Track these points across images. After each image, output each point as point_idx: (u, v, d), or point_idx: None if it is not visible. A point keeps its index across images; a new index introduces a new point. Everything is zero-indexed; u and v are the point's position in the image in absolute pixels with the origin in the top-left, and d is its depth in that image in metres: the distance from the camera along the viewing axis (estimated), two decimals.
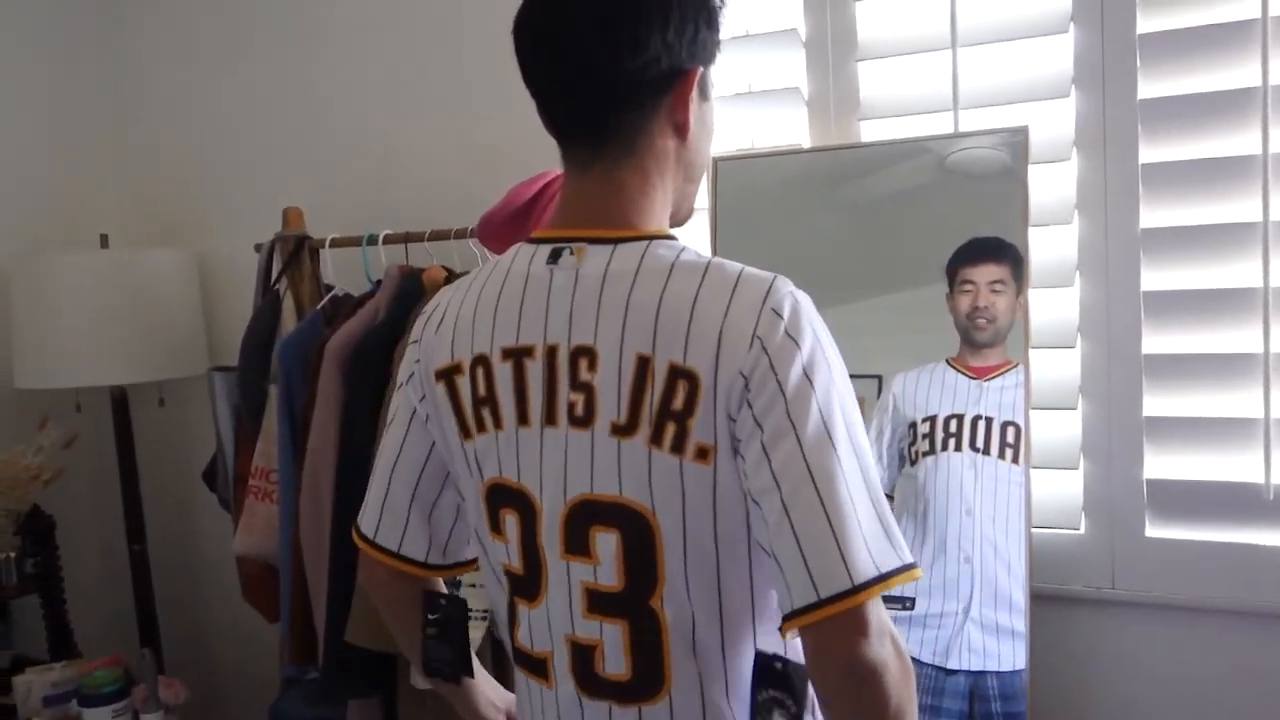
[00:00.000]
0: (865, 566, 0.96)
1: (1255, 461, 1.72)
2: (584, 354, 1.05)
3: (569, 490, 1.07)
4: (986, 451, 1.78)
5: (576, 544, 1.07)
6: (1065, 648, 1.86)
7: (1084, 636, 1.85)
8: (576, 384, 1.05)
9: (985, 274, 1.79)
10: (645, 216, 1.10)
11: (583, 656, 1.10)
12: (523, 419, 1.10)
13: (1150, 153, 1.76)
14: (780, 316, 1.00)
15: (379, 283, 2.14)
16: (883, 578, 0.97)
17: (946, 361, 1.83)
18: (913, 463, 1.83)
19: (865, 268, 1.90)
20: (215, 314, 2.70)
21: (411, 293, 2.05)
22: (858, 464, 0.99)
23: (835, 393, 1.00)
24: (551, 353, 1.07)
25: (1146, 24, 1.75)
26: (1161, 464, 1.80)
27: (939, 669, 1.78)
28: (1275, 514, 1.72)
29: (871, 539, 0.97)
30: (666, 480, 1.02)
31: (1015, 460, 1.76)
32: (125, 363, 2.49)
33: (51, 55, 2.72)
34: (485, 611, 1.85)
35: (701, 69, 1.10)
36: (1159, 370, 1.78)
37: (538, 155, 2.00)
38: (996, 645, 1.76)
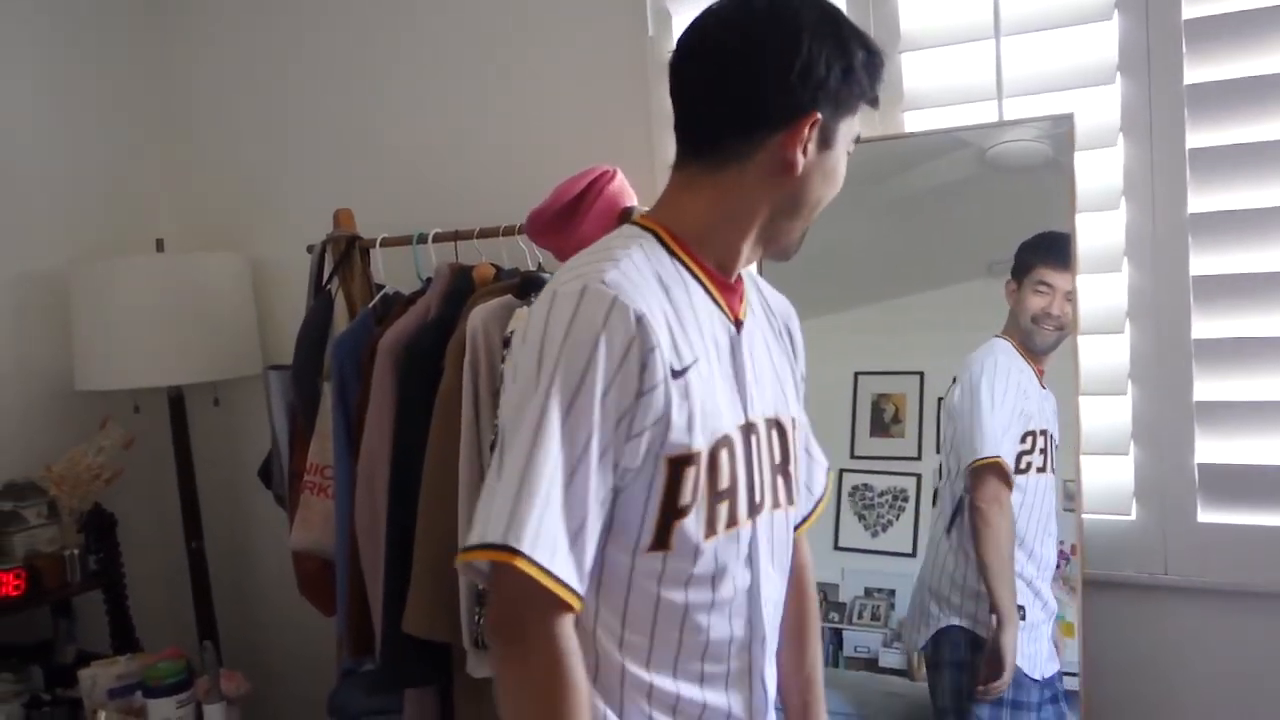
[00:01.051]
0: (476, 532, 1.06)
1: None
2: None
3: None
4: (1046, 470, 1.79)
5: None
6: (1117, 634, 1.85)
7: (1136, 622, 1.85)
8: None
9: (1064, 281, 1.79)
10: (690, 218, 1.18)
11: None
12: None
13: (1197, 137, 1.76)
14: (531, 310, 1.12)
15: (429, 281, 2.17)
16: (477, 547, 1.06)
17: (1012, 347, 1.82)
18: (1021, 471, 1.81)
19: (915, 261, 1.91)
20: (268, 315, 2.75)
21: (462, 290, 2.09)
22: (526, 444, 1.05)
23: (524, 376, 1.08)
24: None
25: (1191, 9, 1.75)
26: (1213, 448, 1.79)
27: (1031, 682, 1.79)
28: None
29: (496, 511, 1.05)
30: None
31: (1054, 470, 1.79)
32: (181, 364, 2.54)
33: (102, 60, 2.78)
34: None
35: (821, 116, 1.13)
36: (1209, 354, 1.78)
37: (585, 152, 2.05)
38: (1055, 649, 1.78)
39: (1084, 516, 1.78)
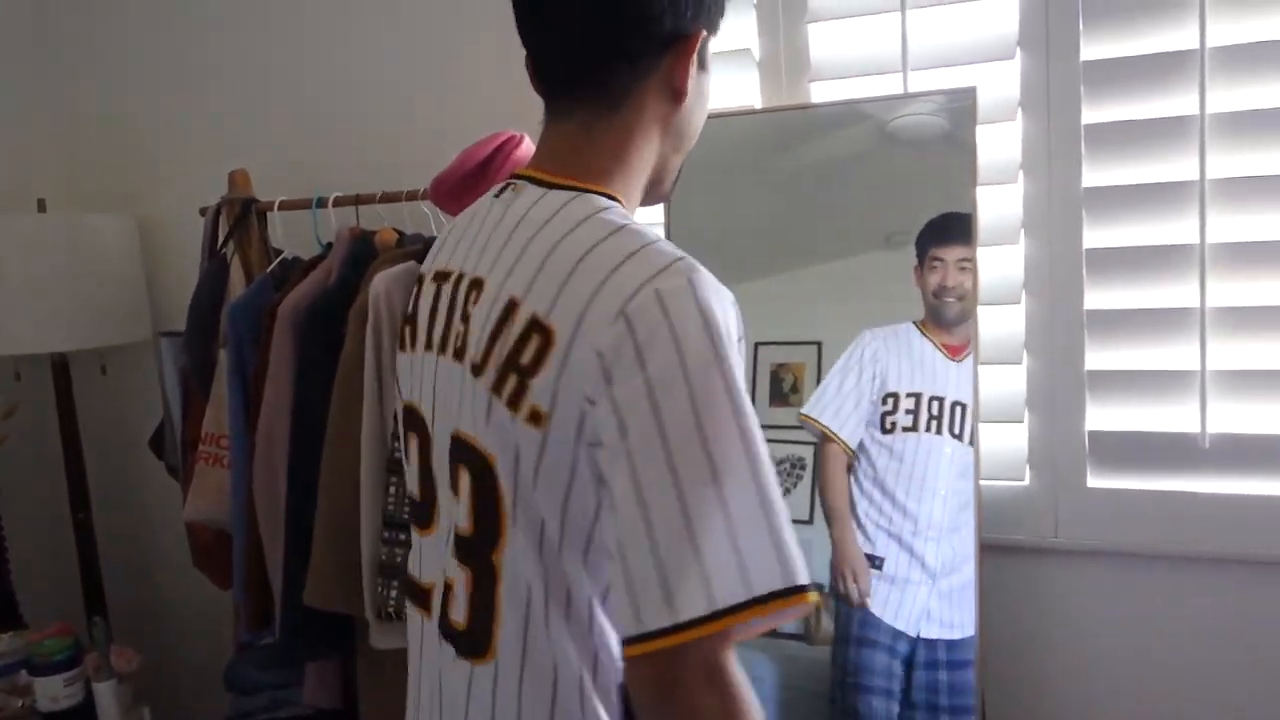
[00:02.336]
0: (726, 591, 0.84)
1: (1192, 412, 1.78)
2: (475, 286, 1.01)
3: (450, 423, 1.02)
4: (960, 438, 1.82)
5: (453, 479, 1.02)
6: (1011, 596, 1.91)
7: (1029, 584, 1.92)
8: (464, 315, 1.02)
9: (954, 253, 1.82)
10: (607, 173, 1.05)
11: (445, 596, 1.05)
12: (428, 343, 1.07)
13: (1093, 113, 1.81)
14: (661, 299, 0.89)
15: (329, 246, 2.12)
16: (757, 601, 0.85)
17: (918, 328, 1.86)
18: (887, 431, 1.86)
19: (815, 232, 1.92)
20: (159, 279, 2.66)
21: (363, 255, 2.04)
22: (749, 470, 0.87)
23: (715, 387, 0.88)
24: (458, 281, 1.04)
25: None
26: (1103, 416, 1.85)
27: (895, 630, 1.83)
28: (1211, 462, 1.79)
29: (752, 555, 0.85)
30: (501, 432, 0.96)
31: (972, 443, 1.82)
32: (65, 330, 2.44)
33: None
34: None
35: (705, 34, 1.05)
36: (1100, 325, 1.84)
37: (492, 116, 2.02)
38: (951, 617, 1.82)
39: (981, 482, 1.83)
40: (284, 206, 2.21)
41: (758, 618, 0.85)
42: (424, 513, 1.09)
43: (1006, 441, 1.91)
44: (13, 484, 2.56)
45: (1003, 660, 1.91)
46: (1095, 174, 1.82)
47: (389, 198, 2.09)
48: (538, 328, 0.93)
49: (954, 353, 1.83)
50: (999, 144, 1.86)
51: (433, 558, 1.08)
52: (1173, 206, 1.78)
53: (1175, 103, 1.76)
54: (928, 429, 1.84)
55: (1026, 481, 1.91)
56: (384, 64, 2.35)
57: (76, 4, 2.68)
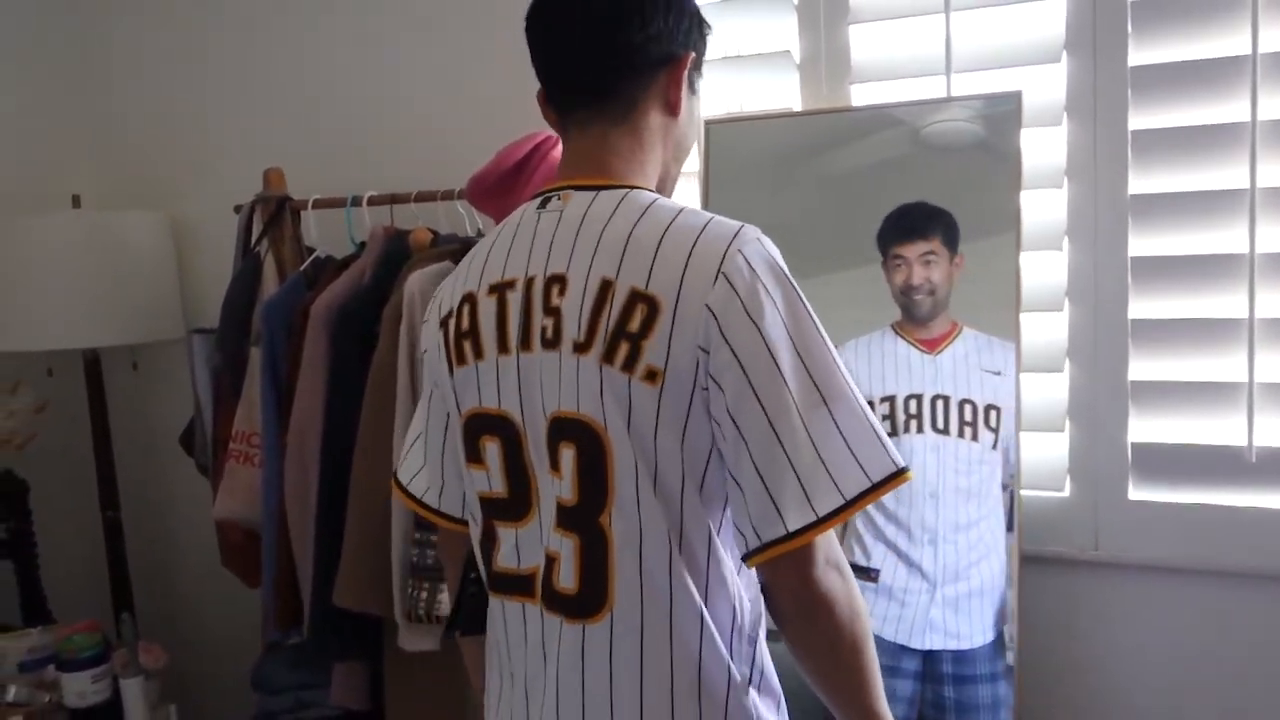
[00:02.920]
0: (853, 484, 1.07)
1: (1239, 425, 1.75)
2: (556, 281, 1.13)
3: (546, 408, 1.14)
4: (946, 432, 1.80)
5: (554, 460, 1.14)
6: (1049, 608, 1.88)
7: (1068, 597, 1.88)
8: (548, 309, 1.13)
9: (915, 249, 1.80)
10: (633, 174, 1.20)
11: (549, 569, 1.15)
12: (503, 347, 1.17)
13: (1140, 119, 1.78)
14: (746, 259, 1.08)
15: (363, 245, 2.12)
16: (875, 486, 1.07)
17: (892, 329, 1.83)
18: None
19: (856, 236, 1.89)
20: (191, 277, 2.66)
21: (397, 255, 2.04)
22: (847, 387, 1.09)
23: (806, 324, 1.09)
24: (530, 284, 1.16)
25: None
26: (1146, 427, 1.82)
27: (901, 648, 1.81)
28: (1257, 476, 1.75)
29: (864, 451, 1.07)
30: (615, 396, 1.08)
31: (975, 438, 1.78)
32: (98, 325, 2.44)
33: (19, 10, 2.65)
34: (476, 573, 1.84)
35: (693, 58, 1.22)
36: (1145, 335, 1.80)
37: (529, 117, 1.99)
38: (957, 626, 1.79)
39: (1022, 492, 1.80)
40: (318, 205, 2.20)
41: (874, 499, 1.08)
42: (517, 506, 1.18)
43: (1047, 451, 1.87)
44: (43, 480, 2.56)
45: (1039, 674, 1.88)
46: (1142, 181, 1.78)
47: (424, 197, 2.08)
48: (641, 298, 1.08)
49: (931, 346, 1.80)
50: (1044, 149, 1.83)
51: (531, 544, 1.17)
52: (1221, 215, 1.74)
53: (1226, 109, 1.72)
54: (906, 430, 1.81)
55: (1066, 492, 1.88)
56: (419, 63, 2.34)
57: (110, 4, 2.69)
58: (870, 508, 1.79)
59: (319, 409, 1.96)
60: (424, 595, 1.82)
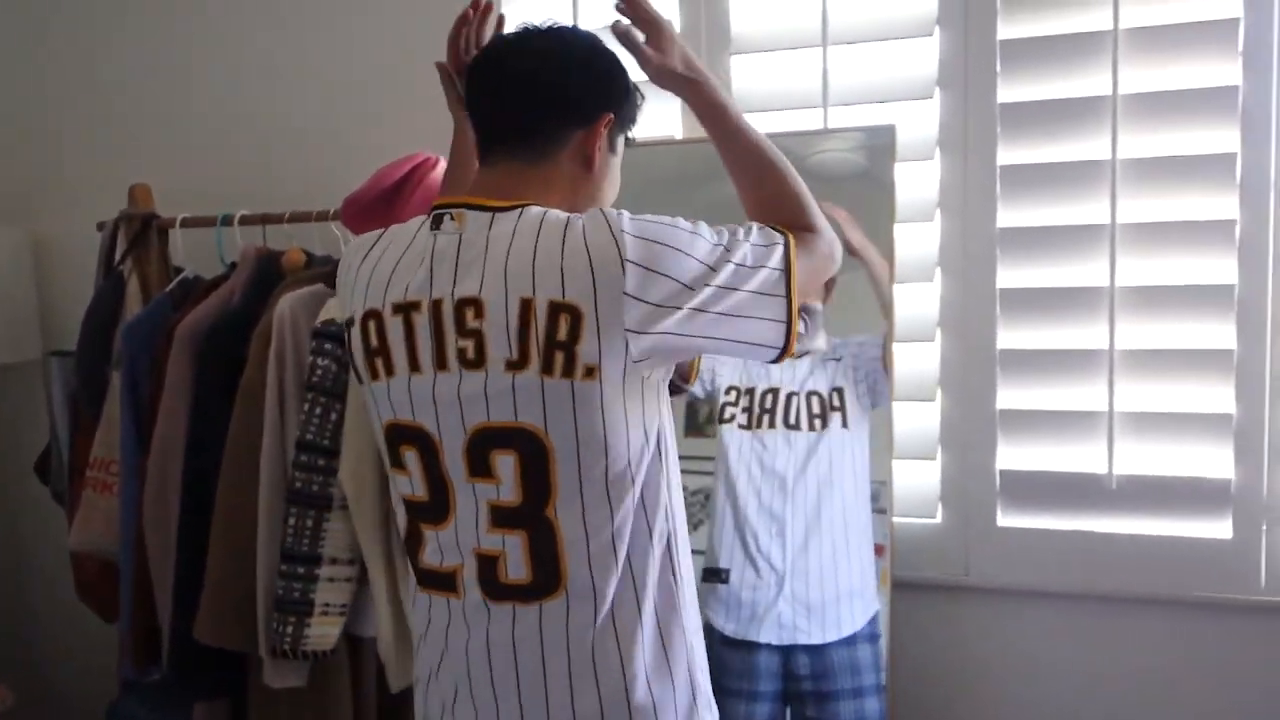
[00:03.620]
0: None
1: (1099, 452, 1.80)
2: (469, 304, 1.19)
3: (467, 422, 1.21)
4: (798, 426, 1.84)
5: (480, 467, 1.22)
6: (922, 633, 1.91)
7: (940, 622, 1.91)
8: (464, 331, 1.19)
9: None
10: (533, 199, 1.24)
11: (488, 566, 1.24)
12: (415, 367, 1.24)
13: (1009, 154, 1.83)
14: (631, 234, 1.16)
15: (234, 265, 2.05)
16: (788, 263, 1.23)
17: None
18: (725, 421, 1.89)
19: None
20: (52, 297, 2.54)
21: (269, 276, 1.97)
22: (749, 258, 1.20)
23: (698, 239, 1.19)
24: (437, 306, 1.21)
25: (1007, 30, 1.82)
26: (1014, 455, 1.87)
27: (749, 644, 1.83)
28: (1118, 502, 1.81)
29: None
30: (558, 402, 1.17)
31: (824, 426, 1.84)
32: None
33: None
34: (344, 606, 1.79)
35: (613, 119, 1.28)
36: (1013, 364, 1.85)
37: (404, 137, 1.97)
38: (808, 622, 1.81)
39: (894, 520, 1.82)
40: (187, 224, 2.13)
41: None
42: (436, 510, 1.27)
43: (920, 479, 1.90)
44: None
45: (913, 698, 1.90)
46: (1010, 214, 1.84)
47: (298, 217, 2.02)
48: (562, 309, 1.15)
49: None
50: (917, 182, 1.87)
51: (449, 546, 1.26)
52: (1085, 248, 1.80)
53: (1089, 146, 1.79)
54: (758, 425, 1.87)
55: (938, 519, 1.91)
56: (295, 81, 2.29)
57: None
58: (725, 507, 1.89)
59: (181, 434, 1.89)
60: (289, 629, 1.75)
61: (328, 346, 1.76)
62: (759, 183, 1.34)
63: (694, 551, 1.82)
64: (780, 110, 1.94)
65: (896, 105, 1.88)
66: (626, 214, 1.19)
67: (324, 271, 1.91)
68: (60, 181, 2.52)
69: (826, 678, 1.81)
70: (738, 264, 1.19)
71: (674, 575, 1.26)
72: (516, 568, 1.22)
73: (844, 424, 1.84)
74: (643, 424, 1.21)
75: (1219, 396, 1.76)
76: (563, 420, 1.18)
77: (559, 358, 1.16)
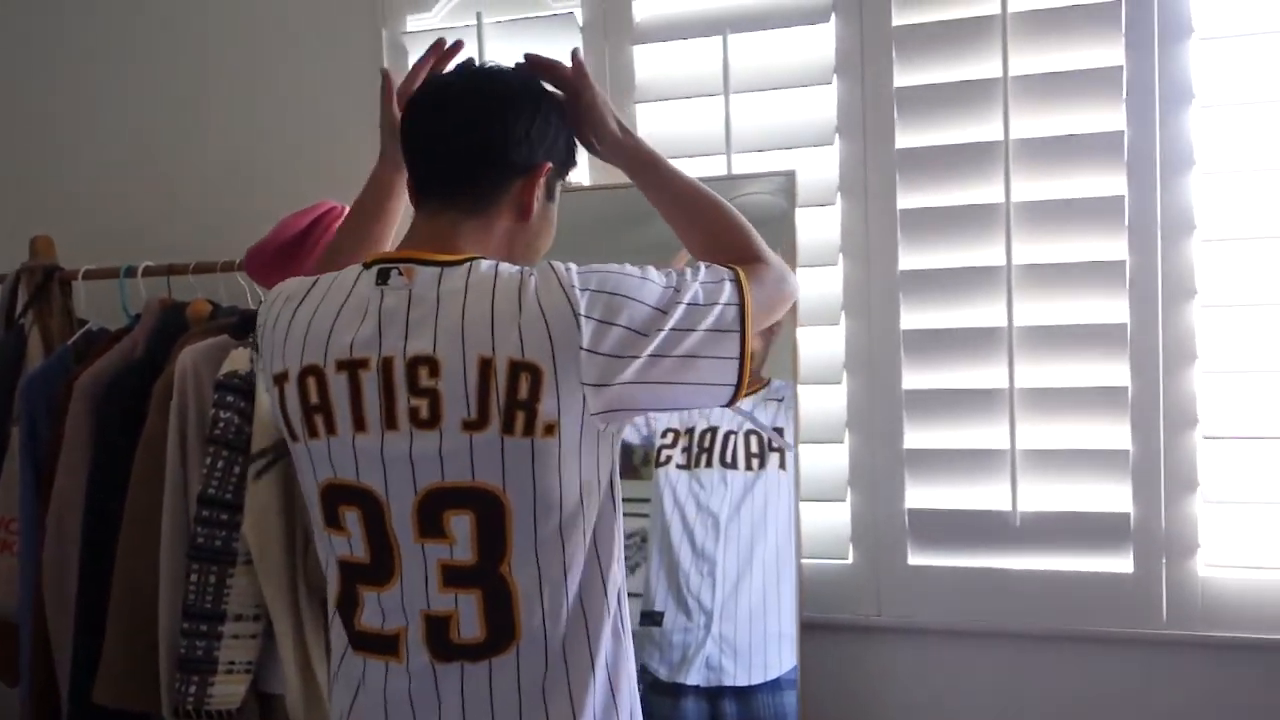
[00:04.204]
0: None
1: (1004, 491, 1.83)
2: (424, 363, 1.16)
3: (418, 482, 1.18)
4: (734, 465, 1.84)
5: (431, 528, 1.19)
6: (834, 675, 1.91)
7: (853, 662, 1.92)
8: (418, 390, 1.17)
9: None
10: (472, 250, 1.24)
11: (437, 627, 1.21)
12: (360, 426, 1.20)
13: (908, 199, 1.87)
14: (581, 288, 1.16)
15: (138, 317, 2.02)
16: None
17: None
18: (661, 465, 1.89)
19: None
20: None
21: (173, 327, 1.96)
22: (701, 299, 1.20)
23: (647, 284, 1.19)
24: (387, 364, 1.18)
25: (903, 78, 1.86)
26: (921, 494, 1.89)
27: (677, 688, 1.82)
28: (1021, 540, 1.83)
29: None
30: (517, 461, 1.16)
31: (762, 466, 1.84)
32: None
33: None
34: (249, 663, 1.75)
35: (551, 168, 1.28)
36: (917, 405, 1.88)
37: (312, 184, 1.96)
38: (735, 664, 1.81)
39: (803, 561, 1.83)
40: (89, 275, 2.10)
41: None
42: (380, 571, 1.23)
43: (830, 519, 1.92)
44: None
45: None
46: (911, 257, 1.87)
47: (203, 268, 2.01)
48: (522, 367, 1.14)
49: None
50: (820, 227, 1.89)
51: (394, 607, 1.22)
52: (984, 289, 1.84)
53: (984, 190, 1.83)
54: (697, 464, 1.87)
55: (850, 560, 1.92)
56: (203, 127, 2.27)
57: None
58: (661, 548, 1.89)
59: (80, 489, 1.86)
60: (193, 689, 1.72)
61: (230, 399, 1.75)
62: (699, 223, 1.37)
63: (631, 595, 1.86)
64: (686, 157, 1.96)
65: (798, 152, 1.91)
66: (575, 267, 1.19)
67: (228, 323, 1.90)
68: None
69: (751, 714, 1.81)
70: (689, 303, 1.18)
71: (621, 623, 1.26)
72: (470, 627, 1.20)
73: (781, 465, 1.84)
74: (596, 474, 1.21)
75: (1116, 433, 1.80)
76: (520, 478, 1.16)
77: (520, 417, 1.15)
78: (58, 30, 2.36)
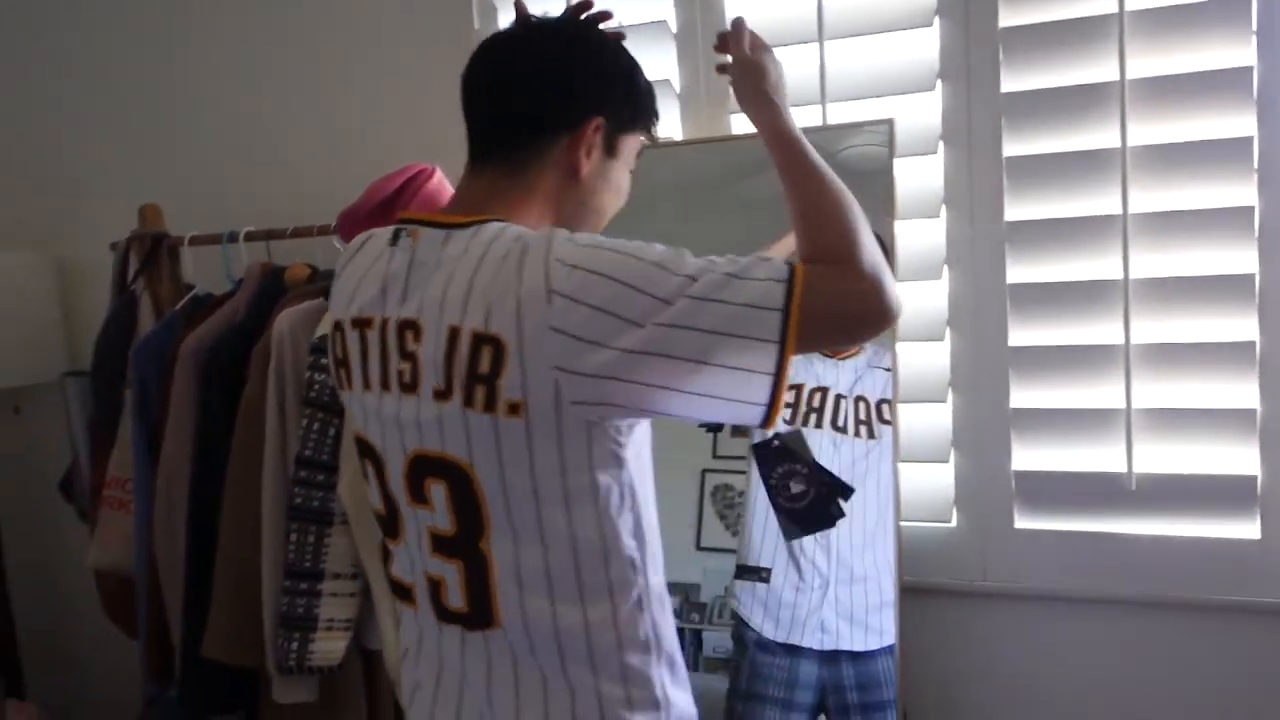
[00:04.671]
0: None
1: (1118, 452, 1.73)
2: (409, 327, 1.15)
3: (406, 446, 1.17)
4: (845, 430, 1.78)
5: (418, 493, 1.19)
6: (937, 640, 1.86)
7: (956, 628, 1.86)
8: (404, 354, 1.15)
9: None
10: (510, 218, 1.17)
11: (434, 590, 1.22)
12: (366, 384, 1.21)
13: (1014, 146, 1.77)
14: (564, 262, 1.06)
15: (240, 282, 2.06)
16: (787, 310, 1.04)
17: None
18: (787, 422, 1.82)
19: None
20: (74, 317, 2.58)
21: (272, 291, 1.98)
22: (712, 291, 1.04)
23: (655, 271, 1.05)
24: (384, 325, 1.18)
25: (1009, 18, 1.76)
26: (1029, 456, 1.80)
27: (790, 649, 1.78)
28: (1137, 503, 1.74)
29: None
30: (482, 437, 1.10)
31: (871, 435, 1.78)
32: None
33: None
34: (348, 620, 1.78)
35: (605, 123, 1.20)
36: (1025, 363, 1.79)
37: (402, 149, 1.96)
38: (850, 628, 1.76)
39: (902, 524, 1.77)
40: (194, 241, 2.14)
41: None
42: (391, 526, 1.26)
43: (933, 481, 1.85)
44: None
45: (926, 705, 1.85)
46: (1018, 208, 1.78)
47: (300, 232, 2.03)
48: (485, 340, 1.08)
49: (836, 353, 1.79)
50: (921, 177, 1.81)
51: (406, 562, 1.25)
52: (1097, 241, 1.73)
53: (1097, 136, 1.72)
54: (805, 423, 1.80)
55: (953, 523, 1.86)
56: (298, 98, 2.29)
57: None
58: (761, 508, 1.82)
59: (186, 452, 1.90)
60: (295, 645, 1.75)
61: (324, 361, 1.76)
62: (810, 215, 1.16)
63: (725, 550, 1.83)
64: None
65: (897, 99, 1.82)
66: (577, 237, 1.09)
67: (325, 286, 1.91)
68: (81, 205, 2.56)
69: (873, 688, 1.75)
70: (703, 298, 1.03)
71: (653, 629, 1.18)
72: (455, 596, 1.19)
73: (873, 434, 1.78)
74: (592, 471, 1.11)
75: (1242, 391, 1.68)
76: (486, 456, 1.10)
77: (480, 391, 1.08)
78: (169, 10, 2.41)
